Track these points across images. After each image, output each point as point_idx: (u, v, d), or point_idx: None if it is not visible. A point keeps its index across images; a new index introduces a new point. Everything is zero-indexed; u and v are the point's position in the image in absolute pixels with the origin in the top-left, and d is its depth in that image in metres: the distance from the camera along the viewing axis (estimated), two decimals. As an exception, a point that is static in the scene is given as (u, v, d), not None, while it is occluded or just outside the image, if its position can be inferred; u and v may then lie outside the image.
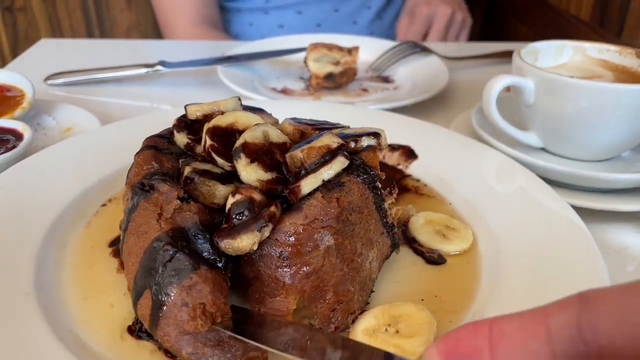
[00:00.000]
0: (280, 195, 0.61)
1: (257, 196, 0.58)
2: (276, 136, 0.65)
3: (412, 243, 0.77)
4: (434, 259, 0.74)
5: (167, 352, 0.58)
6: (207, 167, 0.64)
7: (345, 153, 0.63)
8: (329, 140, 0.63)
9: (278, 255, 0.57)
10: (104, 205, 0.83)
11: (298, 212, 0.58)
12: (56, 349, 0.55)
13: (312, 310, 0.60)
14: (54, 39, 1.82)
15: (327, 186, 0.60)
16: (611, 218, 0.88)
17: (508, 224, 0.77)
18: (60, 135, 1.05)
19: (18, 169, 0.82)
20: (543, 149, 0.99)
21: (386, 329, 0.60)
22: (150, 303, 0.56)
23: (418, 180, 0.91)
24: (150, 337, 0.60)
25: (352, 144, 0.67)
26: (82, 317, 0.62)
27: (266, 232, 0.56)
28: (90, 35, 3.17)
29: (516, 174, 0.86)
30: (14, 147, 0.88)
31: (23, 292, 0.62)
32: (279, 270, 0.58)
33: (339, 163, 0.61)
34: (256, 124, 0.65)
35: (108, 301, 0.66)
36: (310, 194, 0.59)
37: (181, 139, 0.70)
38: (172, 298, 0.53)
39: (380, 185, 0.67)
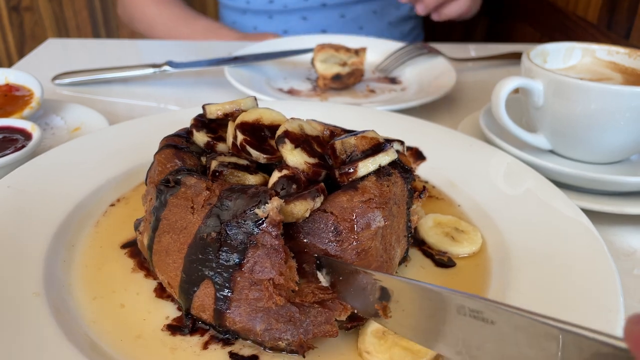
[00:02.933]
0: (319, 181, 0.62)
1: (302, 176, 0.61)
2: (310, 129, 0.67)
3: (422, 245, 0.77)
4: (444, 261, 0.74)
5: (224, 341, 0.60)
6: (232, 159, 0.66)
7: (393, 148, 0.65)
8: (376, 134, 0.66)
9: (332, 228, 0.58)
10: (112, 205, 0.83)
11: (354, 190, 0.60)
12: (66, 349, 0.55)
13: None
14: (61, 39, 1.82)
15: (378, 173, 0.63)
16: (620, 221, 0.87)
17: (517, 226, 0.76)
18: (69, 135, 1.05)
19: (27, 169, 0.82)
20: (552, 151, 0.99)
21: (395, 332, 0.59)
22: (212, 291, 0.58)
23: (426, 182, 0.91)
24: (206, 327, 0.61)
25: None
26: (91, 317, 0.63)
27: (318, 202, 0.58)
28: (96, 34, 3.18)
29: (525, 176, 0.86)
30: (23, 146, 0.88)
31: (33, 292, 0.63)
32: (331, 244, 0.59)
33: (393, 153, 0.64)
34: (291, 118, 0.68)
35: (118, 302, 0.66)
36: (362, 178, 0.62)
37: (201, 137, 0.71)
38: (239, 280, 0.56)
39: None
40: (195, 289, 0.59)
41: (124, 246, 0.75)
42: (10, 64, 3.20)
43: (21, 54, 3.18)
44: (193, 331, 0.61)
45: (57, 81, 1.36)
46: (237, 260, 0.56)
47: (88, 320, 0.62)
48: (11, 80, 1.11)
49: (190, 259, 0.59)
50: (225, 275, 0.56)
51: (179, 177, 0.63)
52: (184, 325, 0.62)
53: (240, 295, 0.56)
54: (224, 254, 0.56)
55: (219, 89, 1.36)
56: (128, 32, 3.18)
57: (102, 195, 0.83)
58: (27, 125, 0.94)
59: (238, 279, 0.56)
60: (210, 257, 0.57)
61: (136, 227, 0.71)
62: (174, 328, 0.62)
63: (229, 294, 0.57)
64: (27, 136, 0.92)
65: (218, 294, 0.57)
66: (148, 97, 1.33)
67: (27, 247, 0.69)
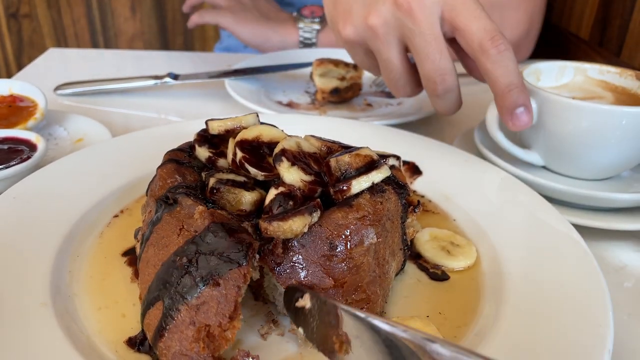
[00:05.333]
0: (315, 198, 0.64)
1: (298, 193, 0.63)
2: (307, 147, 0.69)
3: (417, 259, 0.79)
4: (438, 275, 0.76)
5: None
6: (230, 176, 0.67)
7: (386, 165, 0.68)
8: (370, 152, 0.68)
9: (326, 243, 0.60)
10: (116, 216, 0.85)
11: (349, 207, 0.62)
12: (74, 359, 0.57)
13: None
14: (62, 49, 1.84)
15: (371, 190, 0.65)
16: (610, 236, 0.90)
17: (510, 241, 0.79)
18: (72, 146, 1.06)
19: (32, 180, 0.84)
20: (544, 167, 1.02)
21: (393, 343, 0.61)
22: (160, 315, 0.58)
23: (423, 196, 0.93)
24: (149, 350, 0.61)
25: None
26: (97, 327, 0.64)
27: (316, 217, 0.60)
28: (94, 43, 3.20)
29: (518, 191, 0.88)
30: (28, 157, 0.90)
31: (40, 302, 0.64)
32: (324, 258, 0.61)
33: (386, 170, 0.67)
34: (289, 136, 0.70)
35: (121, 311, 0.67)
36: (356, 195, 0.64)
37: (203, 152, 0.73)
38: (182, 314, 0.56)
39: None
40: (151, 306, 0.59)
41: (124, 254, 0.77)
42: (8, 70, 3.22)
43: (19, 61, 3.20)
44: (149, 350, 0.61)
45: (59, 91, 1.37)
46: (191, 292, 0.55)
47: (94, 331, 0.63)
48: (15, 91, 1.13)
49: (158, 277, 0.59)
50: (175, 303, 0.56)
51: (177, 196, 0.64)
52: (142, 343, 0.62)
53: (178, 328, 0.56)
54: (184, 281, 0.56)
55: (220, 100, 1.39)
56: (126, 39, 3.21)
57: (106, 206, 0.85)
58: (31, 137, 0.96)
59: (183, 311, 0.55)
60: (172, 280, 0.57)
61: (135, 236, 0.74)
62: (133, 343, 0.62)
63: (170, 323, 0.56)
64: (32, 147, 0.94)
65: (162, 319, 0.57)
66: (149, 107, 1.35)
67: (33, 258, 0.70)
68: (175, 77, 1.37)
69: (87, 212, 0.82)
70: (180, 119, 1.31)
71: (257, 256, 0.58)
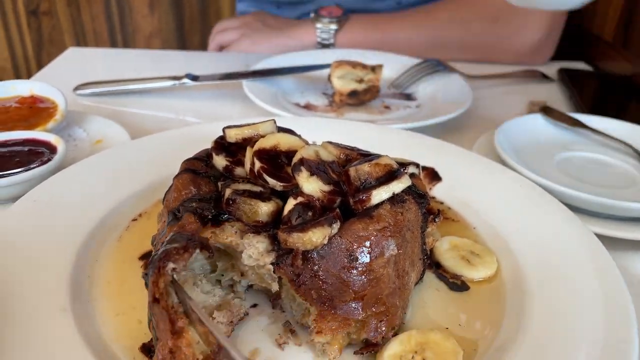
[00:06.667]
0: (335, 209, 0.63)
1: (317, 203, 0.62)
2: (325, 155, 0.68)
3: (437, 268, 0.78)
4: (457, 285, 0.75)
5: None
6: (246, 187, 0.67)
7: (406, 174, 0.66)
8: (389, 160, 0.67)
9: (346, 255, 0.60)
10: (134, 220, 0.85)
11: (370, 218, 0.61)
12: (92, 366, 0.57)
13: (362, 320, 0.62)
14: (81, 48, 1.85)
15: (392, 200, 0.64)
16: (634, 247, 0.88)
17: (531, 250, 0.77)
18: (91, 147, 1.07)
19: (52, 183, 0.84)
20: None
21: (413, 357, 0.61)
22: (153, 332, 0.57)
23: (442, 203, 0.92)
24: None
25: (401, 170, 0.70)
26: (115, 334, 0.64)
27: (335, 228, 0.59)
28: (112, 40, 3.22)
29: (540, 199, 0.87)
30: (48, 160, 0.90)
31: (59, 307, 0.64)
32: (344, 270, 0.60)
33: (406, 180, 0.65)
34: (307, 145, 0.69)
35: (137, 317, 0.67)
36: (377, 206, 0.63)
37: (220, 161, 0.72)
38: (157, 333, 0.54)
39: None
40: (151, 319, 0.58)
41: (142, 257, 0.78)
42: (28, 67, 3.25)
43: (39, 57, 3.23)
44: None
45: (79, 92, 1.38)
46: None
47: (112, 338, 0.64)
48: (36, 92, 1.14)
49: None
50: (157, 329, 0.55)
51: (182, 214, 0.64)
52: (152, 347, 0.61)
53: (160, 340, 0.55)
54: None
55: (237, 101, 1.38)
56: (144, 37, 3.22)
57: (125, 210, 0.85)
58: (51, 138, 0.96)
59: (157, 331, 0.55)
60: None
61: (152, 242, 0.74)
62: (148, 350, 0.62)
63: (155, 339, 0.56)
64: (52, 149, 0.94)
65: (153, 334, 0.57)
66: (166, 108, 1.35)
67: (53, 262, 0.71)
68: (193, 78, 1.37)
69: (106, 216, 0.82)
70: (197, 120, 1.31)
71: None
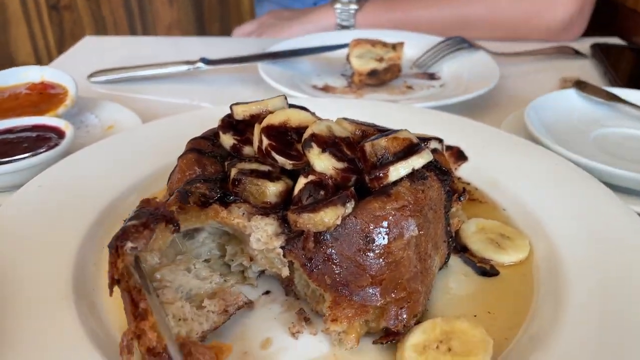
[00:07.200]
0: (349, 187, 0.58)
1: (330, 182, 0.57)
2: (339, 131, 0.63)
3: (463, 252, 0.72)
4: (486, 270, 0.69)
5: None
6: (253, 166, 0.62)
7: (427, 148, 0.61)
8: (409, 134, 0.61)
9: (362, 237, 0.55)
10: (143, 205, 0.81)
11: (387, 196, 0.56)
12: (94, 356, 0.54)
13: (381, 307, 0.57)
14: (98, 37, 1.83)
15: (412, 177, 0.59)
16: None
17: (568, 232, 0.71)
18: (103, 133, 1.04)
19: (58, 168, 0.81)
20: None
21: (437, 346, 0.55)
22: None
23: (468, 184, 0.86)
24: None
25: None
26: (119, 323, 0.61)
27: (349, 208, 0.54)
28: (132, 31, 3.21)
29: (575, 177, 0.80)
30: (55, 145, 0.88)
31: (62, 296, 0.61)
32: (360, 252, 0.55)
33: (427, 155, 0.60)
34: (319, 120, 0.63)
35: (144, 306, 0.64)
36: (395, 183, 0.57)
37: (227, 140, 0.68)
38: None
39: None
40: None
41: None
42: (50, 61, 3.27)
43: (61, 52, 3.24)
44: None
45: (93, 79, 1.36)
46: None
47: (116, 327, 0.60)
48: (47, 78, 1.11)
49: None
50: None
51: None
52: None
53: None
54: None
55: (253, 85, 1.34)
56: (164, 27, 3.21)
57: (133, 196, 0.81)
58: (60, 124, 0.93)
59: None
60: None
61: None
62: None
63: None
64: (61, 134, 0.91)
65: None
66: (182, 94, 1.32)
67: (57, 249, 0.68)
68: (207, 62, 1.33)
69: (113, 202, 0.78)
70: (213, 105, 1.27)
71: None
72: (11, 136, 0.91)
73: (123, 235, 0.49)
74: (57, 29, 3.17)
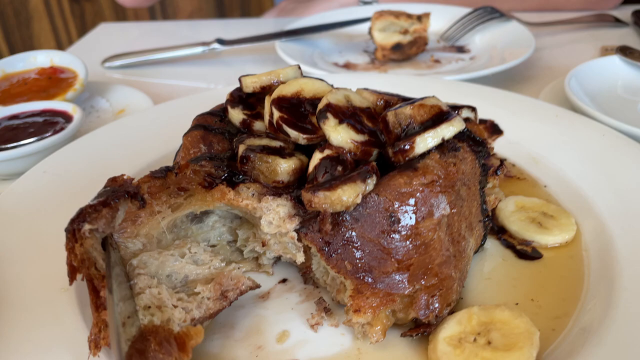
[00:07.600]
0: (370, 162, 0.52)
1: (348, 157, 0.51)
2: (358, 100, 0.56)
3: (501, 233, 0.65)
4: (528, 253, 0.62)
5: None
6: (263, 142, 0.56)
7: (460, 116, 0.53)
8: (437, 101, 0.54)
9: (386, 217, 0.48)
10: (152, 190, 0.76)
11: (414, 171, 0.49)
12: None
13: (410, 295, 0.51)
14: (113, 23, 1.79)
15: (441, 149, 0.52)
16: None
17: (619, 210, 0.63)
18: (113, 117, 1.00)
19: (63, 153, 0.77)
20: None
21: (475, 339, 0.49)
22: None
23: (505, 159, 0.78)
24: None
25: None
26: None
27: (371, 184, 0.48)
28: (153, 21, 3.19)
29: (625, 150, 0.72)
30: (62, 129, 0.83)
31: (62, 286, 0.57)
32: (384, 234, 0.49)
33: (459, 122, 0.53)
34: (336, 88, 0.57)
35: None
36: (422, 156, 0.51)
37: (236, 115, 0.61)
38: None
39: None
40: None
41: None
42: (73, 54, 3.28)
43: (83, 44, 3.25)
44: None
45: (107, 64, 1.32)
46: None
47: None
48: (56, 63, 1.08)
49: None
50: None
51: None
52: None
53: None
54: None
55: (271, 66, 1.28)
56: (185, 16, 3.17)
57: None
58: (68, 108, 0.89)
59: None
60: None
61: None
62: None
63: None
64: (69, 118, 0.87)
65: None
66: (198, 77, 1.27)
67: (59, 240, 0.63)
68: (223, 42, 1.27)
69: (120, 186, 0.73)
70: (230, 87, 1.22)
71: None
72: (17, 122, 0.87)
73: (79, 217, 0.44)
74: (79, 21, 3.16)
